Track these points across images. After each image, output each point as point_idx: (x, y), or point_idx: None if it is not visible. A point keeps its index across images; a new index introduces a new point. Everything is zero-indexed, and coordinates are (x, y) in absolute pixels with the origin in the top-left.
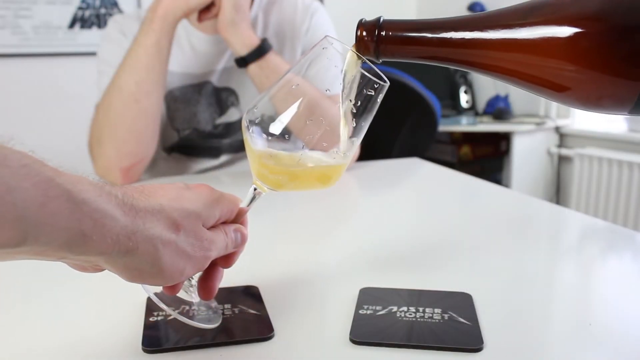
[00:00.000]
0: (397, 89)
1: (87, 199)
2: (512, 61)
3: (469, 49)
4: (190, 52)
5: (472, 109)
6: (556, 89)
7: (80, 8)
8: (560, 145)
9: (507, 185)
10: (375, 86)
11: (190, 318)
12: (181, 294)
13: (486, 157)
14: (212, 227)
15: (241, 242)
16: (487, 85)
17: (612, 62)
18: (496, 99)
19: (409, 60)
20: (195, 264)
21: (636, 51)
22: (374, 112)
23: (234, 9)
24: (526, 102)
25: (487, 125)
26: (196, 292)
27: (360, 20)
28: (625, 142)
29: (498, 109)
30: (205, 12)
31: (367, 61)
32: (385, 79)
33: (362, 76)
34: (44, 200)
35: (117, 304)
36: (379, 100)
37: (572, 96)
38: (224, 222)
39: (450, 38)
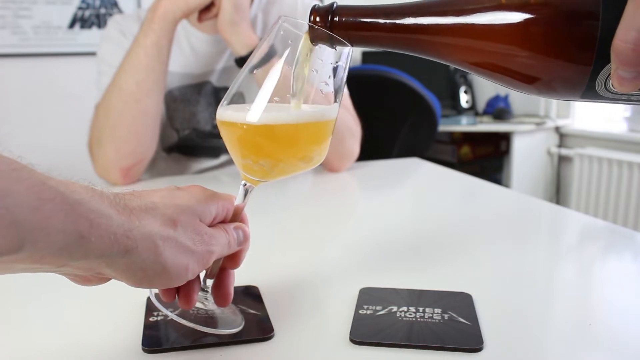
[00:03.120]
0: (397, 89)
1: (81, 200)
2: (465, 47)
3: (421, 35)
4: (189, 52)
5: (472, 109)
6: (509, 74)
7: (80, 8)
8: (560, 145)
9: (507, 185)
10: (336, 50)
11: (208, 324)
12: (198, 306)
13: (486, 157)
14: (212, 226)
15: (244, 239)
16: (487, 85)
17: (563, 47)
18: (496, 99)
19: (366, 47)
20: (199, 260)
21: (586, 36)
22: (346, 73)
23: (234, 8)
24: (526, 102)
25: (487, 125)
26: (212, 301)
27: (314, 6)
28: (625, 142)
29: (498, 109)
30: (205, 12)
31: (325, 32)
32: (345, 42)
33: (321, 47)
34: (38, 203)
35: (117, 303)
36: (343, 64)
37: (525, 81)
38: (223, 222)
39: (403, 24)
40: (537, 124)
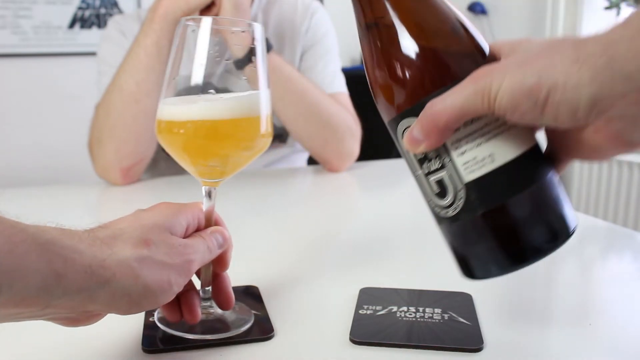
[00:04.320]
0: None
1: (52, 239)
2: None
3: None
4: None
5: None
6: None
7: (80, 8)
8: None
9: None
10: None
11: (220, 329)
12: (204, 313)
13: None
14: (188, 236)
15: (223, 241)
16: None
17: (417, 68)
18: None
19: None
20: (179, 272)
21: (438, 77)
22: (265, 51)
23: (234, 8)
24: None
25: None
26: (215, 307)
27: None
28: None
29: None
30: (206, 11)
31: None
32: (240, 21)
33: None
34: (10, 247)
35: None
36: (259, 42)
37: (374, 74)
38: (198, 230)
39: None
40: None
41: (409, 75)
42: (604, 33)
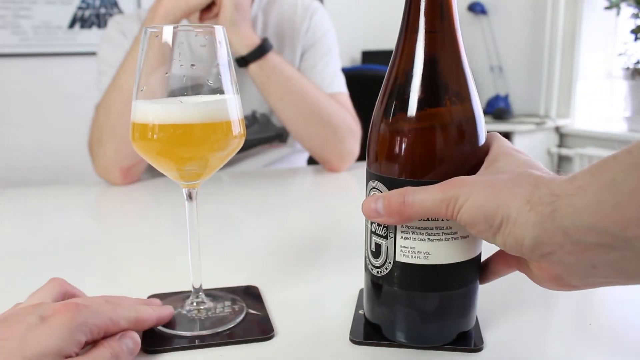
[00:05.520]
0: None
1: None
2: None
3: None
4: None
5: None
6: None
7: (80, 8)
8: (560, 145)
9: None
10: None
11: (212, 325)
12: (186, 322)
13: None
14: (95, 345)
15: (134, 345)
16: (487, 85)
17: (411, 139)
18: (496, 98)
19: None
20: None
21: (425, 165)
22: (229, 53)
23: (234, 8)
24: (526, 102)
25: (487, 125)
26: (207, 302)
27: None
28: (625, 142)
29: (498, 109)
30: (206, 11)
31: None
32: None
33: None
34: None
35: None
36: (223, 46)
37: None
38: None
39: None
40: (537, 123)
41: (403, 153)
42: (558, 181)
